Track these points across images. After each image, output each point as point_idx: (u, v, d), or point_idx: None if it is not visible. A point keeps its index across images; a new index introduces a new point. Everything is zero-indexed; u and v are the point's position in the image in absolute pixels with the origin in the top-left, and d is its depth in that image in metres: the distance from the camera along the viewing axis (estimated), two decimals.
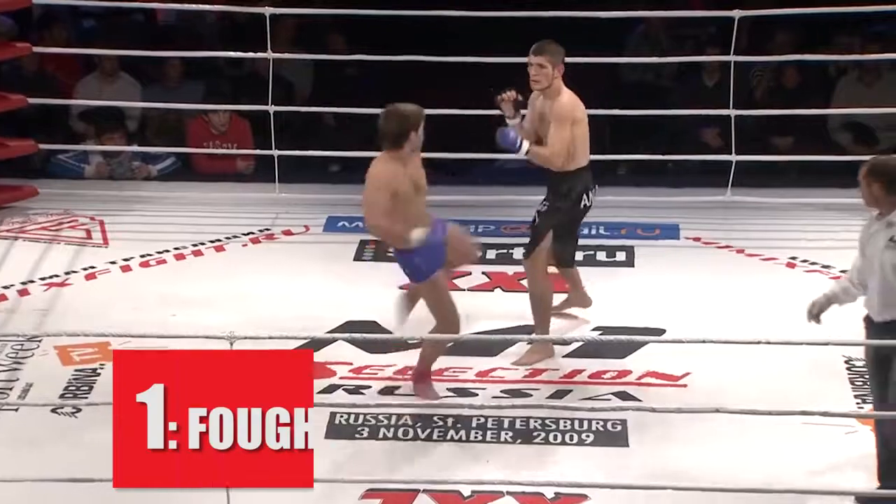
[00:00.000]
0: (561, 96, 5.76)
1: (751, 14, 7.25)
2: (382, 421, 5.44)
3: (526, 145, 5.74)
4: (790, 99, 7.74)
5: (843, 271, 6.51)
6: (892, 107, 7.66)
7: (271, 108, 7.34)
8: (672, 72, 8.31)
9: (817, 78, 8.10)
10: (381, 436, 5.37)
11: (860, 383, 5.53)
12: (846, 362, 5.73)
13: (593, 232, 7.16)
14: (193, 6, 7.65)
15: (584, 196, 5.81)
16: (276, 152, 7.39)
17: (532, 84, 5.77)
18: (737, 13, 7.12)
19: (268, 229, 7.19)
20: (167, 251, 6.91)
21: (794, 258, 6.85)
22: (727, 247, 6.99)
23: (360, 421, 5.44)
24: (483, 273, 6.61)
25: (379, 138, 5.37)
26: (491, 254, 6.81)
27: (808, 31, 8.01)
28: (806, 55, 7.51)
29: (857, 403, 5.45)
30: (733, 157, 7.24)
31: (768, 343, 4.61)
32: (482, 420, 5.44)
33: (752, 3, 7.48)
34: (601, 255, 6.91)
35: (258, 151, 7.67)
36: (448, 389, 5.67)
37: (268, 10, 7.25)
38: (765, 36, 8.07)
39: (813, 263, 6.75)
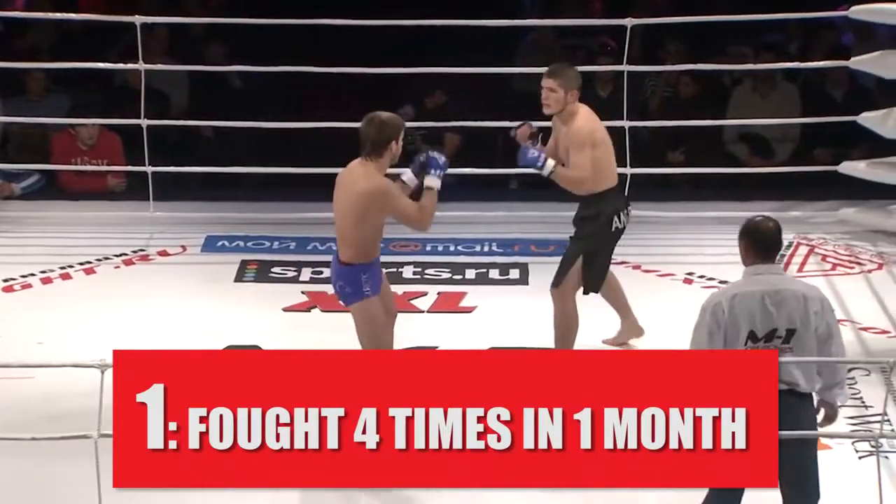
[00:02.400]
0: (576, 120, 5.71)
1: (643, 22, 7.35)
2: None
3: (550, 164, 5.68)
4: (685, 110, 7.87)
5: None
6: (788, 117, 7.83)
7: (144, 122, 7.25)
8: None
9: (712, 88, 8.24)
10: None
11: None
12: None
13: (485, 249, 7.19)
14: (59, 15, 7.52)
15: (616, 218, 5.74)
16: (149, 168, 7.30)
17: (543, 108, 5.77)
18: (629, 21, 7.22)
19: (142, 250, 7.11)
20: (33, 275, 6.78)
21: (691, 273, 6.94)
22: (623, 263, 7.05)
23: None
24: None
25: (360, 145, 5.30)
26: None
27: (702, 41, 8.15)
28: (699, 65, 7.65)
29: None
30: (628, 171, 7.31)
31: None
32: None
33: (645, 11, 7.60)
34: (494, 273, 6.94)
35: (130, 168, 7.56)
36: None
37: (138, 20, 7.16)
38: (658, 45, 8.20)
39: (710, 279, 6.85)
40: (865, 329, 6.33)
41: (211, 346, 6.08)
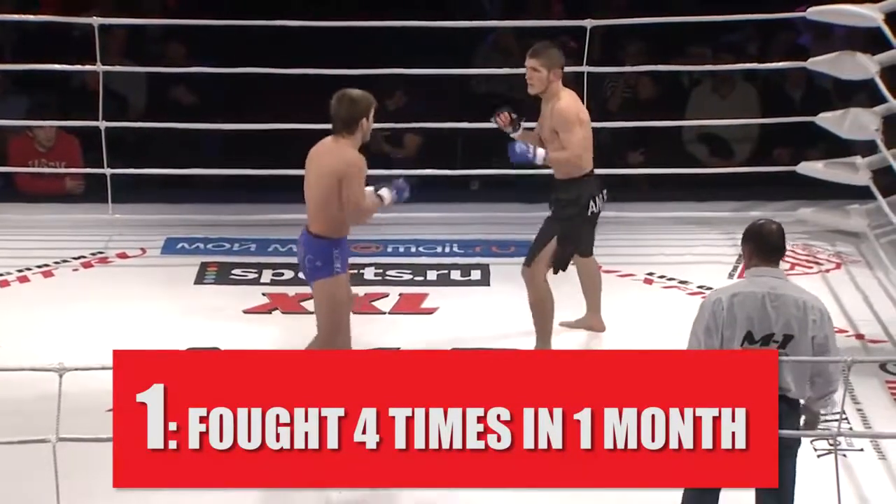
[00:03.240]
0: (560, 100, 5.87)
1: (603, 23, 7.43)
2: None
3: (541, 153, 5.85)
4: (645, 111, 7.96)
5: (700, 287, 6.74)
6: (747, 118, 7.95)
7: (102, 124, 7.25)
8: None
9: (672, 89, 8.34)
10: None
11: None
12: None
13: (446, 250, 7.23)
14: (16, 17, 7.52)
15: (592, 202, 5.91)
16: (108, 170, 7.30)
17: (528, 88, 5.92)
18: (589, 23, 7.29)
19: (101, 252, 7.10)
20: None
21: (651, 274, 7.02)
22: None
23: None
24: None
25: (332, 122, 5.37)
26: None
27: (662, 41, 8.25)
28: (659, 66, 7.74)
29: None
30: None
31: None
32: None
33: (605, 12, 7.68)
34: (455, 274, 6.97)
35: (89, 170, 7.56)
36: None
37: (96, 21, 7.17)
38: (618, 46, 8.28)
39: (671, 279, 6.94)
40: None
41: (171, 349, 6.09)
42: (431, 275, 6.89)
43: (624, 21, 7.48)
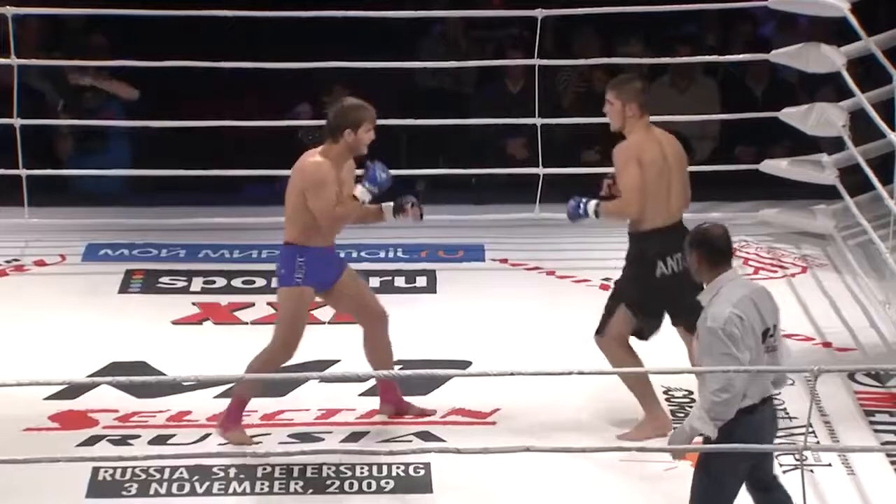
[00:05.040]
0: (627, 140, 5.45)
1: (555, 13, 7.38)
2: (154, 475, 5.30)
3: (593, 205, 5.47)
4: (600, 105, 7.89)
5: None
6: (707, 113, 7.91)
7: (17, 122, 7.13)
8: (473, 77, 8.40)
9: None
10: (152, 492, 5.24)
11: (681, 415, 5.65)
12: (665, 392, 5.85)
13: (390, 255, 7.18)
14: None
15: (661, 263, 5.38)
16: (24, 172, 7.18)
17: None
18: (539, 12, 7.24)
19: (16, 260, 7.01)
20: None
21: (607, 279, 6.93)
22: (536, 268, 7.09)
23: (127, 476, 5.30)
24: (267, 304, 6.54)
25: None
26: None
27: (616, 33, 8.20)
28: (614, 58, 7.69)
29: None
30: (541, 171, 7.34)
31: (581, 374, 4.65)
32: (268, 469, 5.35)
33: (557, 2, 7.62)
34: (400, 281, 6.92)
35: (2, 171, 7.42)
36: None
37: (10, 11, 7.04)
38: (571, 38, 8.23)
39: None
40: (789, 336, 6.38)
41: (94, 363, 6.02)
42: (374, 281, 6.83)
43: (577, 11, 7.41)
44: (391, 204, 5.55)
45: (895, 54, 7.28)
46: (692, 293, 5.09)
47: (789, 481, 5.18)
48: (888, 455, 5.40)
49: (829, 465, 5.39)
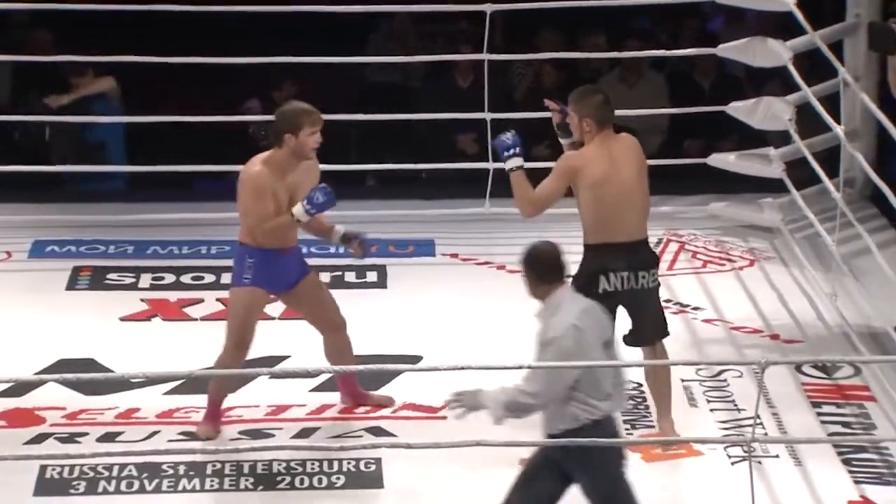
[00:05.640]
0: (578, 152, 5.35)
1: (503, 8, 7.40)
2: (102, 473, 5.28)
3: (516, 162, 5.32)
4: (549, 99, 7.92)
5: None
6: (655, 108, 7.96)
7: None
8: (421, 72, 8.42)
9: (578, 77, 8.33)
10: (100, 490, 5.22)
11: (629, 407, 5.70)
12: None
13: (340, 250, 7.14)
14: None
15: (603, 278, 5.26)
16: None
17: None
18: (488, 7, 7.26)
19: None
20: None
21: None
22: (487, 263, 7.10)
23: (75, 474, 5.28)
24: (217, 299, 6.52)
25: None
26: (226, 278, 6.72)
27: (568, 27, 8.24)
28: (564, 52, 7.73)
29: (627, 429, 5.60)
30: (490, 165, 7.36)
31: (531, 368, 4.68)
32: (218, 466, 5.35)
33: None
34: (350, 276, 6.92)
35: None
36: (179, 434, 5.56)
37: None
38: (523, 33, 8.26)
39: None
40: (737, 328, 6.48)
41: (41, 360, 5.99)
42: (324, 277, 6.79)
43: (525, 5, 7.44)
44: (342, 230, 5.60)
45: (840, 48, 7.38)
46: (638, 311, 5.28)
47: (737, 473, 5.25)
48: (835, 446, 5.46)
49: (777, 456, 5.44)
